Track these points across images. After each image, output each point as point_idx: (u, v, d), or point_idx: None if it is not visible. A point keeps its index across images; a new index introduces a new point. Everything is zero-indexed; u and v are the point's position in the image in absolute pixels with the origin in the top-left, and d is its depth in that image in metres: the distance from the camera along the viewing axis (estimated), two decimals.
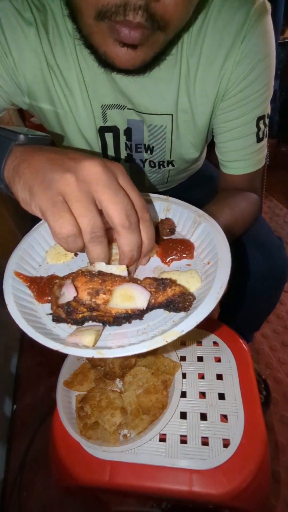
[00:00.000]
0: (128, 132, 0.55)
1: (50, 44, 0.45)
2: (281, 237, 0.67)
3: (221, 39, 0.44)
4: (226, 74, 0.46)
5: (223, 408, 0.47)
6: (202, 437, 0.44)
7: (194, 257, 0.37)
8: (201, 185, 0.75)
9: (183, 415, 0.47)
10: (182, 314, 0.30)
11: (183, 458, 0.42)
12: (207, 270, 0.34)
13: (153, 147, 0.57)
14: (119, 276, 0.29)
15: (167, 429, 0.45)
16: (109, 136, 0.56)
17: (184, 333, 0.27)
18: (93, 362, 0.53)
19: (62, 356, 1.03)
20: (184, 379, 0.50)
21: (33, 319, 0.31)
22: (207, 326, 0.58)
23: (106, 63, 0.39)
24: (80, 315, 0.28)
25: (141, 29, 0.34)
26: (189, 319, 0.28)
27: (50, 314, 0.30)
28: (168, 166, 0.61)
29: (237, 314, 0.74)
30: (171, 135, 0.54)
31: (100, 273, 0.29)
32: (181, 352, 0.54)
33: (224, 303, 0.77)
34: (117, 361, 0.50)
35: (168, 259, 0.37)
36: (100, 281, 0.28)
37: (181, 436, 0.45)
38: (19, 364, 1.23)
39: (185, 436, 0.45)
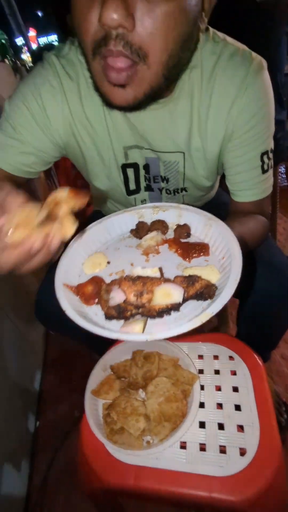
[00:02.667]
0: (146, 167, 0.64)
1: (81, 102, 0.56)
2: None
3: (227, 91, 0.52)
4: (232, 119, 0.54)
5: (239, 419, 0.50)
6: (220, 446, 0.47)
7: (210, 254, 0.45)
8: (215, 211, 0.82)
9: (202, 425, 0.50)
10: (208, 301, 0.36)
11: (202, 465, 0.45)
12: (222, 264, 0.41)
13: (168, 178, 0.66)
14: (155, 277, 0.36)
15: (187, 437, 0.48)
16: (130, 171, 0.65)
17: (213, 314, 0.34)
18: (118, 373, 0.58)
19: (83, 374, 1.09)
20: (202, 391, 0.54)
21: (88, 318, 0.37)
22: (223, 341, 0.62)
23: (107, 102, 0.46)
24: (129, 313, 0.35)
25: (122, 62, 0.38)
26: (216, 303, 0.34)
27: (106, 312, 0.37)
28: (182, 192, 0.69)
29: (252, 332, 0.77)
30: (184, 168, 0.63)
31: (139, 277, 0.36)
32: (199, 365, 0.58)
33: (239, 321, 0.81)
34: (140, 372, 0.55)
35: (188, 258, 0.45)
36: (141, 283, 0.35)
37: (200, 444, 0.48)
38: (42, 381, 1.28)
39: (204, 444, 0.48)
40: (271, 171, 0.62)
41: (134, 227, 0.53)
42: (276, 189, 1.53)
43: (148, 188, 0.68)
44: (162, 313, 0.35)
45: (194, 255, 0.44)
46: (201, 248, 0.45)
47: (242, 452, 0.46)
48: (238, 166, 0.60)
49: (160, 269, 0.42)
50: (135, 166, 0.64)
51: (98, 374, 0.59)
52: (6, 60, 2.83)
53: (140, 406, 0.50)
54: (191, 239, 0.49)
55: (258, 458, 0.45)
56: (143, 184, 0.67)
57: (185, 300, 0.36)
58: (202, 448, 0.47)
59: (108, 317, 0.37)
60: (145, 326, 0.36)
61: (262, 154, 0.58)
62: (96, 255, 0.48)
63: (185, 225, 0.50)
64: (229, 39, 0.54)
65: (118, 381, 0.57)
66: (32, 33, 10.01)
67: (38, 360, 1.31)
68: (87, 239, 0.49)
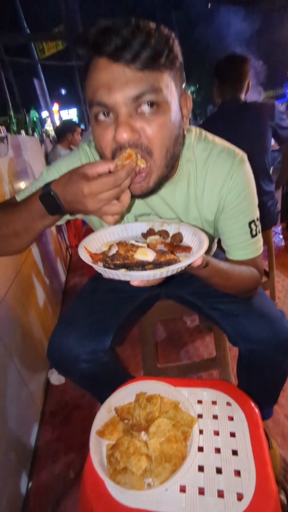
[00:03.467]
0: None
1: None
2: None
3: (218, 178, 0.68)
4: (223, 198, 0.69)
5: (236, 463, 0.52)
6: (218, 490, 0.49)
7: (190, 253, 0.58)
8: None
9: (201, 468, 0.52)
10: None
11: (201, 509, 0.47)
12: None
13: None
14: (141, 245, 0.53)
15: (186, 481, 0.51)
16: None
17: (171, 269, 0.47)
18: (121, 415, 0.62)
19: (82, 429, 1.07)
20: (201, 435, 0.57)
21: (93, 264, 0.51)
22: (221, 387, 0.66)
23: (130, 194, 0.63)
24: (117, 262, 0.49)
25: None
26: (176, 265, 0.48)
27: (103, 261, 0.51)
28: None
29: (251, 383, 0.80)
30: None
31: (132, 244, 0.53)
32: (198, 410, 0.62)
33: (239, 372, 0.85)
34: (142, 413, 0.58)
35: (174, 252, 0.58)
36: (131, 246, 0.52)
37: (199, 488, 0.50)
38: (39, 436, 1.23)
39: (203, 488, 0.50)
40: (259, 235, 0.74)
41: (145, 231, 0.68)
42: (272, 250, 1.67)
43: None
44: (138, 264, 0.49)
45: (178, 251, 0.58)
46: (185, 248, 0.59)
47: (239, 497, 0.48)
48: (230, 233, 0.73)
49: (148, 245, 0.58)
50: None
51: (103, 415, 0.62)
52: (36, 134, 3.32)
53: (143, 447, 0.53)
54: (182, 244, 0.63)
55: (255, 503, 0.47)
56: None
57: (156, 263, 0.50)
58: (201, 492, 0.49)
59: (104, 264, 0.51)
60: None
61: (250, 223, 0.71)
62: (113, 241, 0.62)
63: (179, 233, 0.65)
64: (218, 139, 0.72)
65: (121, 423, 0.60)
66: (56, 106, 11.71)
67: (36, 412, 1.28)
68: (110, 231, 0.65)
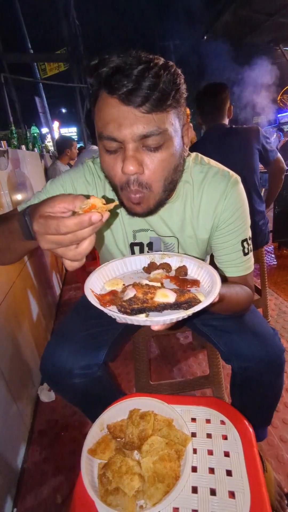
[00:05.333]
0: (150, 244, 0.79)
1: (105, 194, 0.74)
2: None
3: (213, 198, 0.71)
4: (217, 216, 0.72)
5: (230, 485, 0.51)
6: None
7: (200, 287, 0.59)
8: None
9: (194, 490, 0.51)
10: None
11: None
12: (208, 291, 0.55)
13: None
14: (157, 285, 0.53)
15: (179, 503, 0.49)
16: (136, 248, 0.80)
17: (195, 311, 0.46)
18: (114, 433, 0.61)
19: (70, 450, 1.04)
20: (194, 454, 0.56)
21: (105, 309, 0.49)
22: (215, 405, 0.66)
23: (130, 212, 0.66)
24: (136, 306, 0.47)
25: (138, 194, 0.59)
26: (197, 306, 0.47)
27: (119, 305, 0.50)
28: None
29: (244, 401, 0.79)
30: (178, 249, 0.79)
31: (147, 285, 0.52)
32: (192, 428, 0.61)
33: (232, 391, 0.84)
34: (136, 430, 0.57)
35: (183, 287, 0.58)
36: (147, 287, 0.52)
37: (192, 510, 0.48)
38: (26, 457, 1.18)
39: (196, 510, 0.48)
40: (251, 253, 0.76)
41: (145, 265, 0.69)
42: (264, 269, 1.70)
43: None
44: (159, 308, 0.48)
45: (188, 286, 0.58)
46: (194, 282, 0.59)
47: None
48: (223, 250, 0.75)
49: (161, 283, 0.58)
50: (140, 244, 0.79)
51: (95, 433, 0.61)
52: (36, 149, 3.39)
53: (135, 466, 0.52)
54: (187, 277, 0.64)
55: None
56: None
57: (177, 304, 0.49)
58: None
59: (120, 309, 0.48)
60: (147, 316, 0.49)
61: (242, 241, 0.73)
62: (115, 279, 0.63)
63: (183, 266, 0.65)
64: (213, 162, 0.75)
65: (114, 441, 0.59)
66: (56, 124, 12.03)
67: (24, 430, 1.24)
68: (110, 267, 0.65)
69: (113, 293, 0.56)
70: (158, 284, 0.56)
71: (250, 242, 0.76)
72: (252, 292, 0.77)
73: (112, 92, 0.53)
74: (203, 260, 0.84)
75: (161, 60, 0.55)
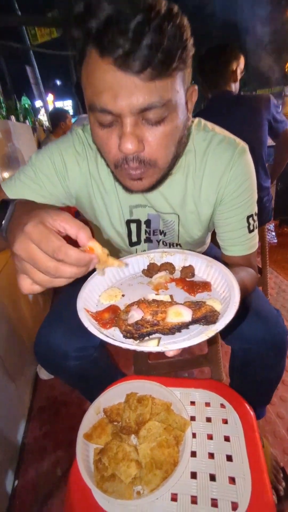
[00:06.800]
0: (148, 222, 0.73)
1: (97, 167, 0.68)
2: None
3: (217, 168, 0.64)
4: (221, 189, 0.65)
5: (230, 470, 0.50)
6: (212, 499, 0.46)
7: (212, 290, 0.51)
8: None
9: (193, 475, 0.49)
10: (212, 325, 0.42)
11: None
12: (224, 297, 0.47)
13: (166, 232, 0.75)
14: (167, 301, 0.44)
15: (178, 488, 0.48)
16: (133, 226, 0.74)
17: (217, 331, 0.39)
18: (110, 417, 0.58)
19: (70, 426, 1.03)
20: (194, 439, 0.54)
21: (108, 337, 0.42)
22: (215, 388, 0.63)
23: (127, 190, 0.59)
24: (145, 330, 0.40)
25: (139, 170, 0.52)
26: (219, 323, 0.40)
27: (124, 331, 0.41)
28: (176, 247, 0.77)
29: (244, 382, 0.78)
30: (178, 227, 0.73)
31: (154, 300, 0.43)
32: (191, 411, 0.59)
33: (232, 371, 0.82)
34: (133, 415, 0.55)
35: (193, 293, 0.51)
36: (156, 305, 0.42)
37: (191, 496, 0.47)
38: (26, 432, 1.20)
39: (195, 496, 0.47)
40: (256, 231, 0.71)
41: (145, 267, 0.61)
42: (265, 247, 1.65)
43: (148, 240, 0.77)
44: (174, 330, 0.40)
45: (198, 290, 0.51)
46: (204, 285, 0.52)
47: (234, 506, 0.45)
48: (227, 226, 0.69)
49: (171, 296, 0.49)
50: (137, 222, 0.73)
51: (91, 417, 0.59)
52: (27, 121, 3.20)
53: (132, 452, 0.50)
54: (195, 279, 0.56)
55: None
56: (143, 236, 0.76)
57: (193, 321, 0.42)
58: (194, 500, 0.46)
59: (126, 334, 0.41)
60: (158, 343, 0.40)
61: (248, 217, 0.68)
62: (112, 289, 0.55)
63: (190, 266, 0.57)
64: (218, 128, 0.67)
65: (110, 425, 0.57)
66: (50, 97, 11.41)
67: (23, 409, 1.25)
68: (104, 275, 0.56)
69: (112, 309, 0.48)
70: (168, 298, 0.47)
71: (255, 218, 0.69)
72: (256, 274, 0.73)
73: (104, 54, 0.42)
74: (203, 240, 0.78)
75: (163, 6, 0.42)
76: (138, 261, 0.61)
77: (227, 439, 0.54)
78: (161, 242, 0.77)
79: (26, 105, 3.52)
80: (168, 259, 0.61)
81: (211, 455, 0.52)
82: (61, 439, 1.17)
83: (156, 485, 0.47)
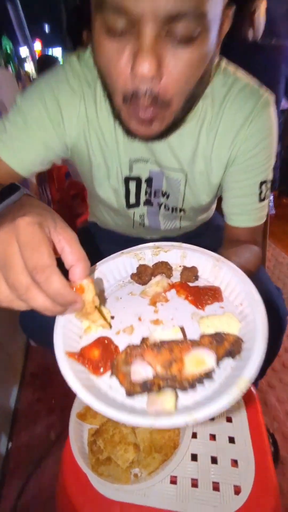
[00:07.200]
0: (149, 180, 0.64)
1: (96, 110, 0.56)
2: (285, 283, 0.71)
3: (234, 121, 0.54)
4: (236, 146, 0.55)
5: (233, 452, 0.47)
6: (213, 482, 0.44)
7: (224, 299, 0.41)
8: (210, 234, 0.82)
9: (194, 457, 0.47)
10: (236, 358, 0.33)
11: (194, 504, 0.42)
12: (242, 311, 0.38)
13: (169, 194, 0.66)
14: (180, 341, 0.32)
15: (178, 471, 0.45)
16: (132, 185, 0.64)
17: (251, 380, 0.29)
18: None
19: (63, 392, 1.01)
20: None
21: (102, 394, 0.32)
22: None
23: (131, 134, 0.48)
24: (156, 387, 0.30)
25: (150, 110, 0.42)
26: (250, 364, 0.30)
27: (128, 390, 0.31)
28: (180, 212, 0.69)
29: None
30: (184, 188, 0.63)
31: (163, 343, 0.32)
32: None
33: None
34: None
35: (201, 305, 0.40)
36: (168, 351, 0.31)
37: (192, 479, 0.45)
38: (19, 398, 1.20)
39: (196, 479, 0.45)
40: (267, 201, 0.63)
41: (134, 270, 0.47)
42: (267, 218, 1.58)
43: (148, 202, 0.68)
44: (195, 383, 0.30)
45: (208, 302, 0.40)
46: (214, 293, 0.41)
47: (237, 490, 0.43)
48: (236, 190, 0.60)
49: (182, 329, 0.37)
50: (137, 180, 0.64)
51: None
52: (10, 68, 2.87)
53: (130, 434, 0.46)
54: (200, 282, 0.44)
55: (254, 497, 0.42)
56: (143, 198, 0.67)
57: (217, 363, 0.32)
58: (194, 484, 0.44)
59: (130, 394, 0.31)
60: (176, 398, 0.30)
61: (261, 183, 0.59)
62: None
63: (193, 267, 0.45)
64: (240, 73, 0.56)
65: None
66: (38, 44, 10.22)
67: (15, 375, 1.24)
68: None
69: (102, 344, 0.36)
70: (177, 331, 0.34)
71: (269, 186, 0.61)
72: (260, 252, 0.65)
73: None
74: (210, 204, 0.69)
75: None
76: (124, 263, 0.48)
77: (229, 420, 0.51)
78: (162, 206, 0.69)
79: (8, 49, 3.13)
80: (163, 257, 0.48)
81: (213, 437, 0.49)
82: (55, 404, 1.18)
83: (155, 468, 0.44)
